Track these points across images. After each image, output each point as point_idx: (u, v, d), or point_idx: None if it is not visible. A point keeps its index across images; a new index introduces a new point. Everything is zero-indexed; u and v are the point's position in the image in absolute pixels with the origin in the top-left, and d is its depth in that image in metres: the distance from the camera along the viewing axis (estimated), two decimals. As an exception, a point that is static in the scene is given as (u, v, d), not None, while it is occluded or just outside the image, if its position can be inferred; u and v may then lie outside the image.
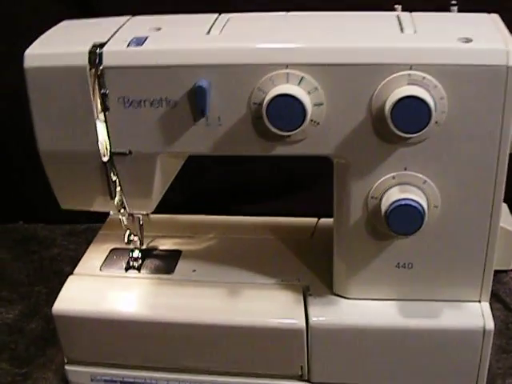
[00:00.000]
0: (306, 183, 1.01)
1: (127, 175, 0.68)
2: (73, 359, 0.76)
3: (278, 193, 1.02)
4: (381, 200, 0.65)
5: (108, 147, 0.66)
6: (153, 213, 0.75)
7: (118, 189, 0.69)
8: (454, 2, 0.69)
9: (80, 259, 0.80)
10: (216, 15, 0.69)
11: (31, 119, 0.66)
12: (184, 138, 0.65)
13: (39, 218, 1.06)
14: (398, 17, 0.66)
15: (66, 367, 0.76)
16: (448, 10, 0.69)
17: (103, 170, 0.68)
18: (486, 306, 0.69)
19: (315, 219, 0.85)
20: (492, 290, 0.69)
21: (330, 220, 0.81)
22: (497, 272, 0.69)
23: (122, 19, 0.70)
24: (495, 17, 0.66)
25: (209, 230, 0.83)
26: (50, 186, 0.72)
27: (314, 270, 0.75)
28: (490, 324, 0.67)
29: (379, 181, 0.64)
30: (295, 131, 0.61)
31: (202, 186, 1.01)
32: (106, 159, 0.67)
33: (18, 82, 0.65)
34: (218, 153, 0.66)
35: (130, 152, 0.66)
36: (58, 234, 1.04)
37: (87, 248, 0.82)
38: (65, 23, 0.71)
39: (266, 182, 1.02)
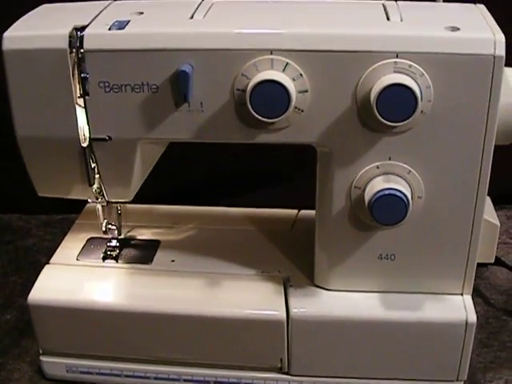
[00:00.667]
0: (288, 175, 1.00)
1: (106, 162, 0.66)
2: (48, 350, 0.74)
3: (259, 184, 1.01)
4: (364, 190, 0.64)
5: (87, 133, 0.65)
6: (131, 202, 0.74)
7: (97, 176, 0.68)
8: (439, -7, 0.69)
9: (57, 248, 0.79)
10: (199, 0, 0.67)
11: (8, 105, 0.64)
12: (165, 123, 0.63)
13: (14, 208, 1.04)
14: (384, 5, 0.65)
15: (42, 358, 0.74)
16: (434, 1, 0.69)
17: (82, 156, 0.66)
18: (468, 299, 0.69)
19: (295, 211, 0.84)
20: (473, 285, 0.69)
21: (310, 212, 0.81)
22: (478, 266, 0.68)
23: (104, 3, 0.68)
24: (482, 7, 0.65)
25: (188, 221, 0.82)
26: (26, 176, 0.70)
27: (295, 261, 0.75)
28: (473, 317, 0.67)
29: (363, 170, 0.64)
30: (279, 118, 0.60)
31: (183, 178, 1.00)
32: (85, 145, 0.65)
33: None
34: (200, 139, 0.64)
35: (110, 138, 0.65)
36: (34, 225, 1.01)
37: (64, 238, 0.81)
38: (44, 7, 0.69)
39: (247, 173, 1.01)
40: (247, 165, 0.97)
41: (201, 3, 0.66)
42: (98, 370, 0.74)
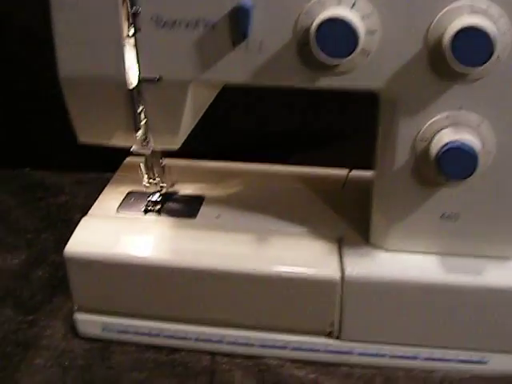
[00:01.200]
0: (339, 136, 0.96)
1: (155, 105, 0.62)
2: (83, 307, 0.70)
3: (308, 144, 0.97)
4: (431, 142, 0.59)
5: (136, 73, 0.61)
6: (175, 156, 0.70)
7: (143, 121, 0.64)
8: None
9: (92, 205, 0.75)
10: None
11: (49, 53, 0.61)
12: (221, 64, 0.59)
13: (47, 165, 1.00)
14: None
15: (76, 315, 0.70)
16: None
17: (129, 98, 0.62)
18: (535, 264, 0.64)
19: (346, 170, 0.79)
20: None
21: (361, 172, 0.78)
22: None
23: None
24: None
25: (235, 177, 0.78)
26: (60, 131, 0.66)
27: (348, 220, 0.70)
28: (541, 283, 0.63)
29: (431, 120, 0.59)
30: (344, 60, 0.56)
31: (228, 134, 0.95)
32: (132, 86, 0.61)
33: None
34: (257, 82, 0.60)
35: (160, 78, 0.61)
36: (67, 182, 0.98)
37: (98, 196, 0.77)
38: None
39: (297, 131, 0.97)
40: (297, 123, 0.93)
41: None
42: (135, 330, 0.70)
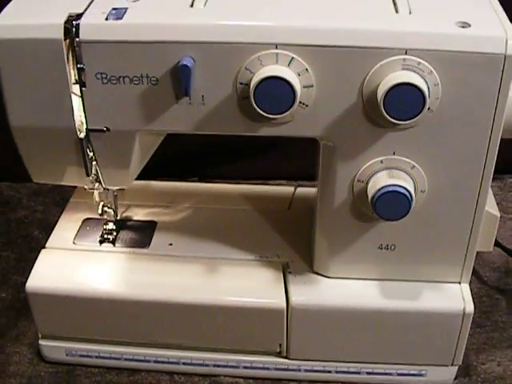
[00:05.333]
0: (286, 145, 0.99)
1: (104, 152, 0.65)
2: (47, 334, 0.74)
3: (256, 153, 1.00)
4: (367, 184, 0.63)
5: (84, 124, 0.63)
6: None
7: (94, 165, 0.66)
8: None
9: (50, 223, 0.78)
10: (198, -18, 0.65)
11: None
12: (165, 116, 0.62)
13: (3, 175, 1.02)
14: (392, -7, 0.63)
15: (41, 342, 0.74)
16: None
17: (79, 146, 0.64)
18: (466, 287, 0.69)
19: (292, 188, 0.83)
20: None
21: (306, 190, 0.81)
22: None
23: (99, -15, 0.65)
24: (494, -1, 0.63)
25: (185, 199, 0.81)
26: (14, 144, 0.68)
27: (293, 245, 0.75)
28: (470, 307, 0.68)
29: (366, 164, 0.63)
30: (283, 114, 0.59)
31: (177, 147, 0.98)
32: (82, 136, 0.63)
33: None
34: (200, 132, 0.63)
35: (108, 129, 0.63)
36: (24, 194, 1.00)
37: (56, 210, 0.80)
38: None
39: (246, 143, 0.99)
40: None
41: (200, -14, 0.64)
42: (97, 354, 0.74)
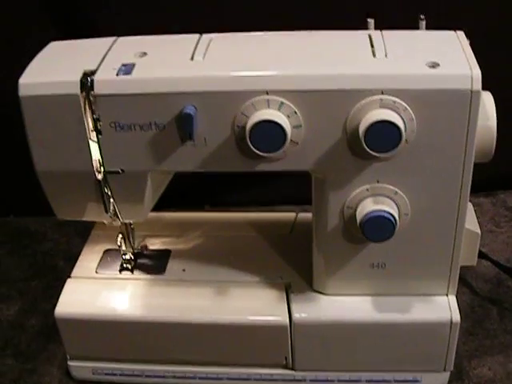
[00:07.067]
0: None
1: (120, 190, 0.73)
2: (75, 355, 0.82)
3: (258, 181, 1.07)
4: (356, 210, 0.70)
5: (101, 166, 0.71)
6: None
7: (112, 202, 0.74)
8: (422, 17, 0.74)
9: (74, 254, 0.85)
10: (198, 36, 0.72)
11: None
12: (172, 157, 0.69)
13: (29, 210, 1.10)
14: (370, 36, 0.70)
15: (69, 363, 0.82)
16: (417, 21, 0.74)
17: (98, 186, 0.72)
18: (452, 299, 0.76)
19: (293, 214, 0.90)
20: (459, 275, 0.75)
21: (307, 215, 0.88)
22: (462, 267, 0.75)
23: (108, 41, 0.73)
24: (461, 34, 0.70)
25: (195, 228, 0.89)
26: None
27: (295, 267, 0.82)
28: (457, 317, 0.74)
29: (354, 192, 0.70)
30: (276, 152, 0.66)
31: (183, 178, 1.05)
32: (100, 177, 0.71)
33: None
34: (204, 170, 0.70)
35: (123, 170, 0.71)
36: (49, 227, 1.08)
37: (79, 241, 0.87)
38: (53, 45, 0.74)
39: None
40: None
41: (199, 40, 0.71)
42: (120, 372, 0.81)
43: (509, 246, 0.98)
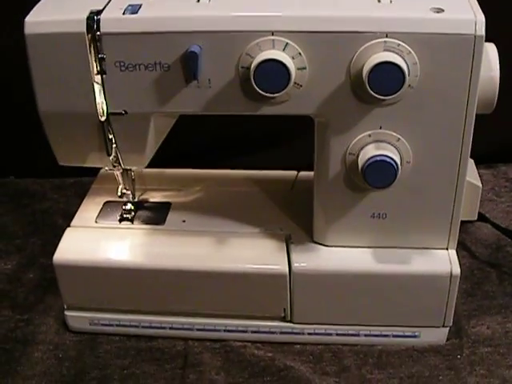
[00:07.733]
0: (287, 139, 1.07)
1: (123, 133, 0.73)
2: (72, 305, 0.81)
3: (261, 147, 1.08)
4: (358, 156, 0.70)
5: (105, 108, 0.71)
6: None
7: (114, 146, 0.74)
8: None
9: (73, 212, 0.85)
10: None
11: (28, 78, 0.70)
12: (176, 99, 0.69)
13: (29, 172, 1.10)
14: (376, -15, 0.71)
15: (66, 313, 0.82)
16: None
17: (100, 128, 0.72)
18: (452, 253, 0.76)
19: (295, 172, 0.91)
20: (459, 240, 0.76)
21: (308, 173, 0.88)
22: (464, 222, 0.75)
23: (115, -15, 0.73)
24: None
25: (196, 183, 0.89)
26: (41, 142, 0.75)
27: (296, 220, 0.82)
28: (457, 269, 0.74)
29: (356, 138, 0.70)
30: (280, 93, 0.66)
31: (189, 142, 1.05)
32: (103, 119, 0.71)
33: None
34: (208, 112, 0.70)
35: (126, 112, 0.71)
36: (48, 188, 1.08)
37: (78, 201, 0.87)
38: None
39: (251, 137, 1.07)
40: (251, 130, 1.03)
41: (206, -16, 0.72)
42: (117, 322, 0.81)
43: (508, 214, 0.98)
